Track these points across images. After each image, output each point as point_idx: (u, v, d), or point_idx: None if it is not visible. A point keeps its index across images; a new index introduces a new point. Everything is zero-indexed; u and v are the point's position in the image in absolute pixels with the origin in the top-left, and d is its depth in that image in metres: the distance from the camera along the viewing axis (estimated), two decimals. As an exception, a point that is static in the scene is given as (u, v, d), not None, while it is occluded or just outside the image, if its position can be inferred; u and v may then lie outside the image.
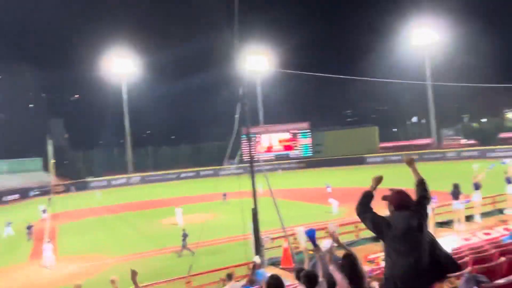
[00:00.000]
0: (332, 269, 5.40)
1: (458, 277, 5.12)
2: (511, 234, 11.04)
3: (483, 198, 19.28)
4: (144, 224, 31.63)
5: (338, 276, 5.28)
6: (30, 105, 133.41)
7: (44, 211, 35.98)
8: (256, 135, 76.32)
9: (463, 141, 72.71)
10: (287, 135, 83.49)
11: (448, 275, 4.44)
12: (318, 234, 5.89)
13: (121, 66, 79.56)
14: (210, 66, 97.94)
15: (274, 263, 15.06)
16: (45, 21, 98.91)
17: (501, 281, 5.34)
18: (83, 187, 72.40)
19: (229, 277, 12.46)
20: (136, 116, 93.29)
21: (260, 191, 16.27)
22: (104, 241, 26.67)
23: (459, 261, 6.38)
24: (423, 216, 4.08)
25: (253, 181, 15.68)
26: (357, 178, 43.13)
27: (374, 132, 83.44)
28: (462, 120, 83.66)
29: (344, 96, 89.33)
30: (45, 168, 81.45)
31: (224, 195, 35.38)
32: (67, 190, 70.87)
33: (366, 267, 7.49)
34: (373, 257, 11.40)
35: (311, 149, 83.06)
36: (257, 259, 14.37)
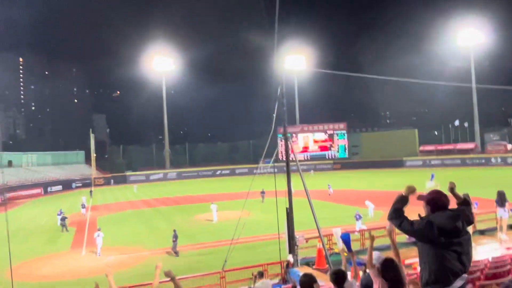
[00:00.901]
0: (371, 273, 5.37)
1: (498, 284, 4.97)
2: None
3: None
4: (179, 218, 32.23)
5: (377, 280, 5.23)
6: (75, 101, 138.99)
7: (83, 206, 37.01)
8: (292, 135, 76.13)
9: (509, 146, 69.48)
10: (323, 136, 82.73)
11: (490, 282, 4.32)
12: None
13: (161, 65, 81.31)
14: (248, 65, 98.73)
15: (308, 263, 14.97)
16: (90, 20, 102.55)
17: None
18: (122, 180, 74.60)
19: (261, 274, 12.55)
20: (174, 114, 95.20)
21: (293, 191, 16.22)
22: (141, 234, 27.37)
23: (501, 270, 6.17)
24: (468, 218, 3.99)
25: (288, 181, 15.66)
26: (394, 182, 42.36)
27: (414, 134, 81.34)
28: (509, 124, 79.90)
29: (383, 97, 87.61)
30: (87, 161, 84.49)
31: (263, 192, 35.47)
32: (107, 183, 73.20)
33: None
34: (411, 262, 11.15)
35: (347, 150, 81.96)
36: (290, 258, 14.39)
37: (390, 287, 4.36)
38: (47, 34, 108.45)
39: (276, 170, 16.85)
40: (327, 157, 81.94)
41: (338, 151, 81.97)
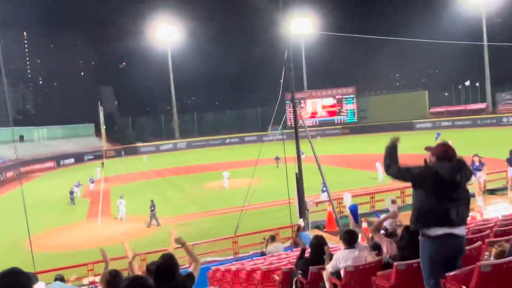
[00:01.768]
0: (378, 236, 5.58)
1: (507, 241, 5.03)
2: None
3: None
4: (191, 187, 32.69)
5: (384, 241, 5.41)
6: (81, 73, 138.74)
7: (91, 181, 36.89)
8: (301, 101, 75.58)
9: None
10: (331, 101, 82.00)
11: (499, 239, 4.38)
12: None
13: (166, 33, 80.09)
14: (254, 31, 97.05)
15: (319, 226, 15.20)
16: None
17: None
18: (132, 152, 75.31)
19: (273, 238, 12.81)
20: (181, 83, 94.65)
21: (303, 157, 16.27)
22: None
23: (511, 227, 6.21)
24: (468, 171, 4.00)
25: (297, 146, 15.70)
26: (405, 145, 41.89)
27: (424, 96, 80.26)
28: (521, 83, 78.33)
29: (392, 59, 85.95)
30: (97, 133, 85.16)
31: (277, 158, 34.51)
32: (118, 154, 73.97)
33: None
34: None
35: (356, 115, 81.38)
36: (301, 222, 14.62)
37: (408, 250, 4.66)
38: (50, 6, 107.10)
39: (285, 137, 16.85)
40: (336, 122, 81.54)
41: (347, 116, 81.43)
